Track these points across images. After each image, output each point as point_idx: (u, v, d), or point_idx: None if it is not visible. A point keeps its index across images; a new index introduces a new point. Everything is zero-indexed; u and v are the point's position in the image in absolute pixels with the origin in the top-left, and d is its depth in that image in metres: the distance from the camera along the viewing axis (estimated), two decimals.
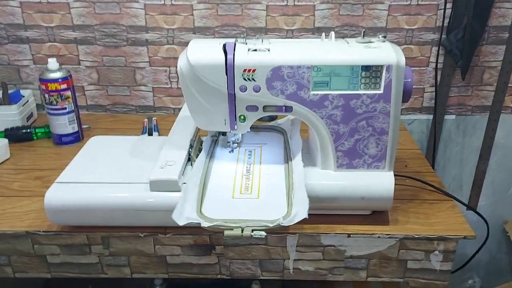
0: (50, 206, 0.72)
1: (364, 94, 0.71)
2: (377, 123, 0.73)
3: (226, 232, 0.64)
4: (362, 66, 0.70)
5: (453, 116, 1.23)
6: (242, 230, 0.64)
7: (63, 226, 0.76)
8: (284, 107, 0.73)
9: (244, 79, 0.71)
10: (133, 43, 1.16)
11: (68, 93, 0.99)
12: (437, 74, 1.15)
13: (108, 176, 0.77)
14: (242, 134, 0.86)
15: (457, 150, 1.27)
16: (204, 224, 0.65)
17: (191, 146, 0.82)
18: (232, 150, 0.85)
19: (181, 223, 0.65)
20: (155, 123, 1.12)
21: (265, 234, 0.64)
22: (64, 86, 0.98)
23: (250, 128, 0.78)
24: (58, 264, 0.79)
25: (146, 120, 1.13)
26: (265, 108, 0.74)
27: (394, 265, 0.78)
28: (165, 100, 1.23)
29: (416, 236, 0.75)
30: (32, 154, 1.00)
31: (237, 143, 0.85)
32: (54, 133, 1.02)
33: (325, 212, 0.78)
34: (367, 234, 0.76)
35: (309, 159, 0.81)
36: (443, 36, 1.13)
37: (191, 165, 0.78)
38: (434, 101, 1.19)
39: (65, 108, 1.00)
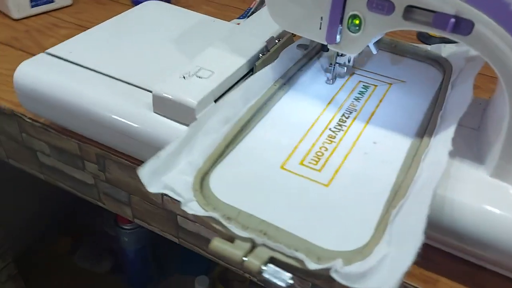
0: (19, 85, 0.46)
1: None
2: None
3: (216, 243, 0.30)
4: None
5: None
6: (252, 249, 0.30)
7: (51, 122, 0.51)
8: (453, 20, 0.32)
9: None
10: None
11: None
12: None
13: (122, 67, 0.47)
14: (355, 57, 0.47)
15: None
16: (191, 209, 0.32)
17: (266, 50, 0.46)
18: (334, 79, 0.46)
19: (151, 189, 0.34)
20: None
21: (290, 280, 0.29)
22: None
23: (378, 47, 0.40)
24: (49, 167, 0.57)
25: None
26: (408, 11, 0.33)
27: None
28: None
29: None
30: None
31: (347, 66, 0.46)
32: None
33: (454, 252, 0.39)
34: None
35: (472, 145, 0.40)
36: None
37: None
38: None
39: None
